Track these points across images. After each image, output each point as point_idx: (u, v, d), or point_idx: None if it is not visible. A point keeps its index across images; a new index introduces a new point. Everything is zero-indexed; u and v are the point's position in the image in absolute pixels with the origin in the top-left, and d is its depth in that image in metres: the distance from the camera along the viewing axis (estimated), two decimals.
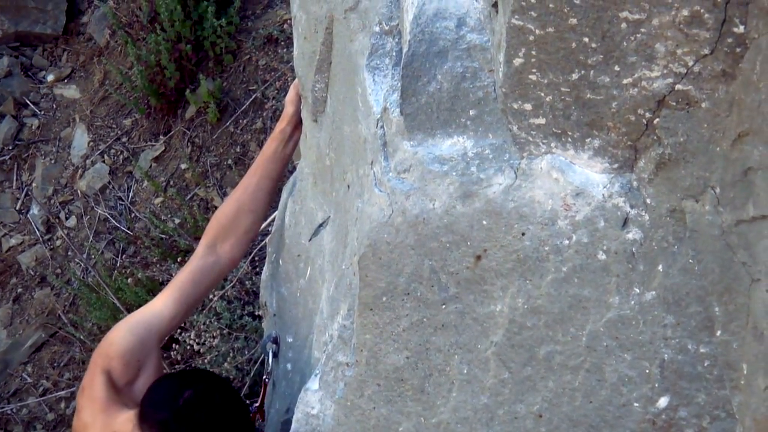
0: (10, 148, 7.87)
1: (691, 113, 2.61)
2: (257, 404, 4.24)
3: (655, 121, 2.66)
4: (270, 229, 5.47)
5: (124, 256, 7.24)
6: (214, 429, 3.55)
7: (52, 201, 7.62)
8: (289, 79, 7.02)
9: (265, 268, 4.80)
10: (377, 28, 3.25)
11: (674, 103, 2.61)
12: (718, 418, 2.92)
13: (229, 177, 7.05)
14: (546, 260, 2.92)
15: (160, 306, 3.94)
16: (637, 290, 2.86)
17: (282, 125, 4.24)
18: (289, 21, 7.18)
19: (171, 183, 7.29)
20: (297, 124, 4.22)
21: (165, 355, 6.35)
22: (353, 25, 3.40)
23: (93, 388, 3.81)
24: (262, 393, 4.25)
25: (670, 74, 2.56)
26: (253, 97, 7.18)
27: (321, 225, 3.92)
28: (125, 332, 3.92)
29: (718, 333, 2.79)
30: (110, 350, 3.90)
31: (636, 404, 2.96)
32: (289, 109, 4.22)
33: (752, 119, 2.46)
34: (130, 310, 5.95)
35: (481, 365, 3.11)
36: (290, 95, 4.23)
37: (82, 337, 6.87)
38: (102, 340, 4.00)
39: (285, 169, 4.32)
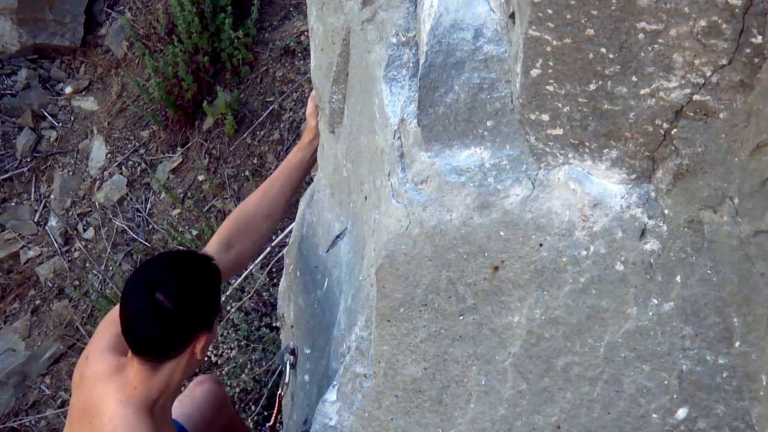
0: (29, 160, 7.89)
1: (708, 124, 2.60)
2: (270, 423, 4.25)
3: (672, 132, 2.65)
4: (287, 240, 5.48)
5: None
6: (198, 286, 3.60)
7: (70, 213, 7.64)
8: (306, 90, 7.03)
9: (282, 279, 4.81)
10: (394, 39, 3.25)
11: (692, 114, 2.60)
12: (738, 430, 2.91)
13: (246, 188, 7.06)
14: (564, 271, 2.91)
15: None
16: (656, 301, 2.85)
17: (309, 137, 4.25)
18: (306, 32, 7.20)
19: (188, 194, 7.30)
20: (317, 134, 4.24)
21: None
22: (370, 37, 3.41)
23: (101, 340, 3.84)
24: (275, 410, 4.24)
25: (688, 84, 2.56)
26: (271, 108, 7.19)
27: (338, 236, 3.92)
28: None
29: (737, 344, 2.79)
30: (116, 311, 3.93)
31: (654, 415, 2.95)
32: (311, 122, 4.23)
33: None
34: None
35: (499, 376, 3.10)
36: (310, 108, 4.23)
37: None
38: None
39: (305, 178, 4.34)
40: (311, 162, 4.25)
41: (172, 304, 3.48)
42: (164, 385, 3.60)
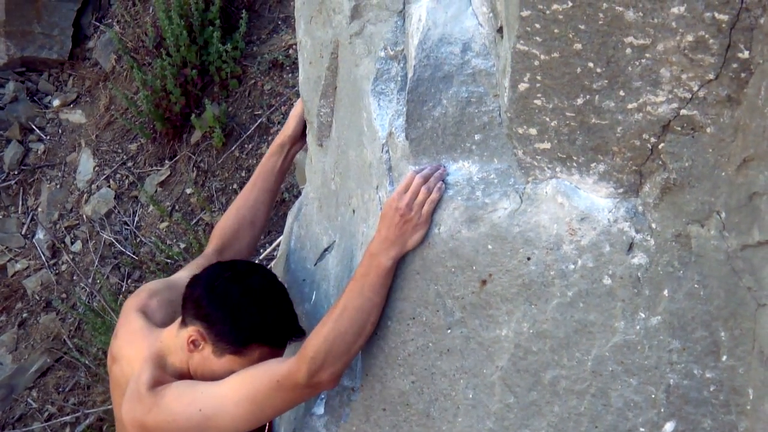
0: (16, 172, 7.88)
1: (696, 138, 2.61)
2: None
3: (660, 146, 2.66)
4: (275, 253, 5.47)
5: (129, 280, 7.24)
6: (246, 306, 3.46)
7: (58, 226, 7.62)
8: (294, 104, 7.02)
9: None
10: (382, 53, 3.26)
11: (679, 128, 2.61)
12: None
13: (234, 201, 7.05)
14: (551, 285, 2.92)
15: (183, 275, 3.89)
16: (643, 315, 2.85)
17: (281, 139, 4.23)
18: (294, 46, 7.20)
19: (176, 208, 7.29)
20: (297, 139, 4.21)
21: None
22: (358, 50, 3.41)
23: (130, 323, 3.75)
24: (267, 426, 4.22)
25: (675, 99, 2.57)
26: (259, 121, 7.19)
27: (326, 250, 3.92)
28: (153, 282, 3.89)
29: (724, 358, 2.79)
30: (141, 294, 3.87)
31: (642, 429, 2.95)
32: (291, 123, 4.21)
33: (757, 144, 2.46)
34: None
35: (487, 390, 3.10)
36: (296, 110, 4.22)
37: (87, 362, 6.86)
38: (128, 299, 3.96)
39: (282, 183, 4.31)
40: (284, 165, 4.21)
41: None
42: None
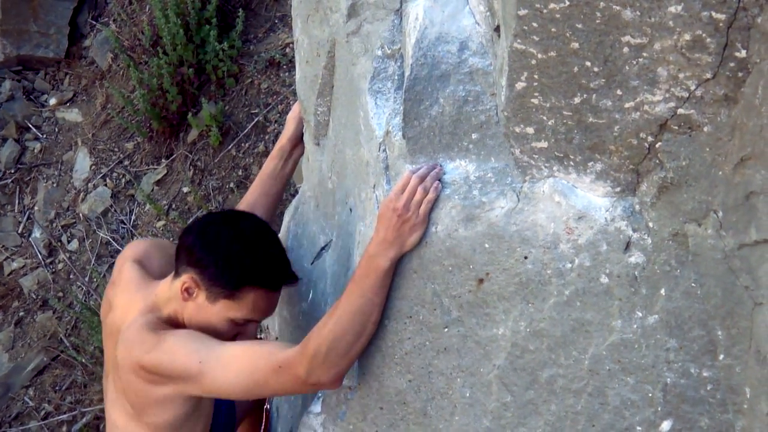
0: (12, 171, 7.87)
1: (693, 137, 2.61)
2: None
3: (657, 145, 2.66)
4: None
5: None
6: (237, 249, 3.49)
7: (54, 224, 7.61)
8: (291, 102, 7.02)
9: None
10: (379, 52, 3.26)
11: (676, 127, 2.61)
12: None
13: (231, 200, 7.05)
14: (548, 284, 2.92)
15: None
16: (640, 314, 2.85)
17: (281, 143, 4.24)
18: (291, 45, 7.20)
19: (173, 206, 7.28)
20: (297, 142, 4.22)
21: None
22: (355, 49, 3.41)
23: (123, 273, 3.78)
24: (264, 425, 4.23)
25: (672, 98, 2.57)
26: (255, 120, 7.19)
27: (323, 248, 3.92)
28: (152, 238, 3.90)
29: (721, 357, 2.79)
30: (140, 245, 3.92)
31: (639, 428, 2.95)
32: (290, 127, 4.23)
33: (754, 143, 2.46)
34: None
35: (484, 388, 3.10)
36: (293, 113, 4.23)
37: (84, 360, 6.86)
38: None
39: (284, 186, 4.31)
40: (285, 169, 4.22)
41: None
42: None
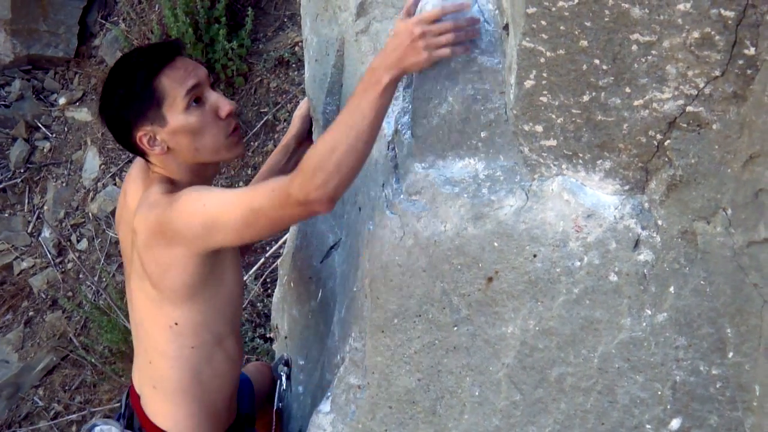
0: (22, 171, 7.89)
1: (702, 135, 2.61)
2: None
3: (666, 143, 2.66)
4: (281, 251, 5.47)
5: None
6: (125, 75, 3.52)
7: (64, 224, 7.63)
8: (300, 101, 7.03)
9: (276, 290, 4.80)
10: None
11: (685, 125, 2.61)
12: None
13: None
14: (557, 282, 2.92)
15: None
16: (649, 312, 2.85)
17: (286, 140, 4.24)
18: (300, 43, 7.20)
19: None
20: (302, 140, 4.21)
21: None
22: (364, 48, 3.41)
23: (131, 170, 3.84)
24: (274, 425, 4.22)
25: (681, 96, 2.57)
26: (265, 119, 7.20)
27: (332, 247, 3.92)
28: None
29: (731, 354, 2.79)
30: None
31: (648, 426, 2.95)
32: (296, 124, 4.23)
33: (763, 141, 2.46)
34: None
35: (493, 387, 3.10)
36: (300, 111, 4.23)
37: (93, 360, 6.87)
38: None
39: None
40: (288, 165, 4.20)
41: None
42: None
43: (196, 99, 3.47)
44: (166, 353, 3.58)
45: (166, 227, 3.36)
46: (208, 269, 3.45)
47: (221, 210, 3.27)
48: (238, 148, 3.59)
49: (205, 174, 3.57)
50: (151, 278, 3.48)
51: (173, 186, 3.50)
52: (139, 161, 3.73)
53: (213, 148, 3.51)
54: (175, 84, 3.45)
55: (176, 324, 3.52)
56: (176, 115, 3.45)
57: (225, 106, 3.50)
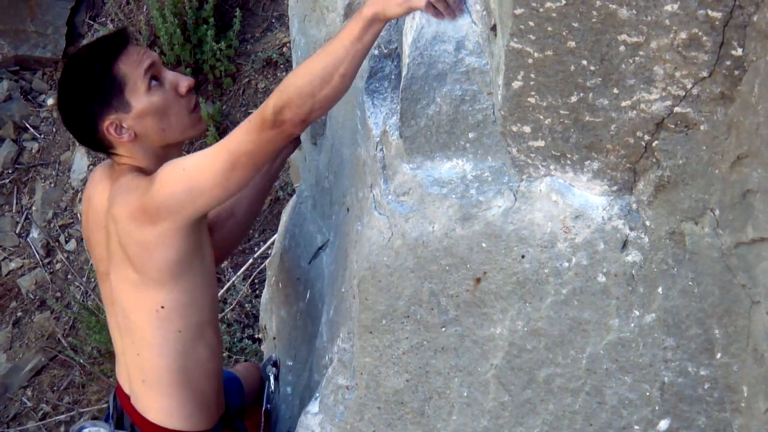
0: (10, 171, 7.88)
1: (689, 136, 2.61)
2: None
3: (654, 144, 2.66)
4: (270, 251, 5.47)
5: None
6: (81, 67, 3.53)
7: (52, 224, 7.62)
8: None
9: (264, 291, 4.80)
10: (376, 51, 3.26)
11: (673, 126, 2.61)
12: None
13: None
14: (546, 283, 2.92)
15: None
16: (637, 313, 2.85)
17: None
18: (288, 44, 7.20)
19: None
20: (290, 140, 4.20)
21: None
22: None
23: (94, 173, 3.82)
24: (263, 427, 4.22)
25: (669, 97, 2.57)
26: None
27: (320, 248, 3.92)
28: None
29: (719, 355, 2.79)
30: None
31: (636, 427, 2.95)
32: None
33: (751, 141, 2.46)
34: None
35: (481, 388, 3.10)
36: None
37: (81, 360, 6.86)
38: None
39: (271, 181, 4.26)
40: (275, 164, 4.20)
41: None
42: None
43: (154, 77, 3.50)
44: (153, 341, 3.57)
45: (149, 204, 3.35)
46: (192, 245, 3.44)
47: (201, 167, 3.27)
48: (201, 124, 3.62)
49: (171, 158, 3.55)
50: (134, 263, 3.47)
51: (143, 173, 3.50)
52: (98, 168, 3.74)
53: (179, 127, 3.53)
54: (132, 68, 3.47)
55: (162, 307, 3.51)
56: (139, 98, 3.47)
57: (183, 81, 3.53)
